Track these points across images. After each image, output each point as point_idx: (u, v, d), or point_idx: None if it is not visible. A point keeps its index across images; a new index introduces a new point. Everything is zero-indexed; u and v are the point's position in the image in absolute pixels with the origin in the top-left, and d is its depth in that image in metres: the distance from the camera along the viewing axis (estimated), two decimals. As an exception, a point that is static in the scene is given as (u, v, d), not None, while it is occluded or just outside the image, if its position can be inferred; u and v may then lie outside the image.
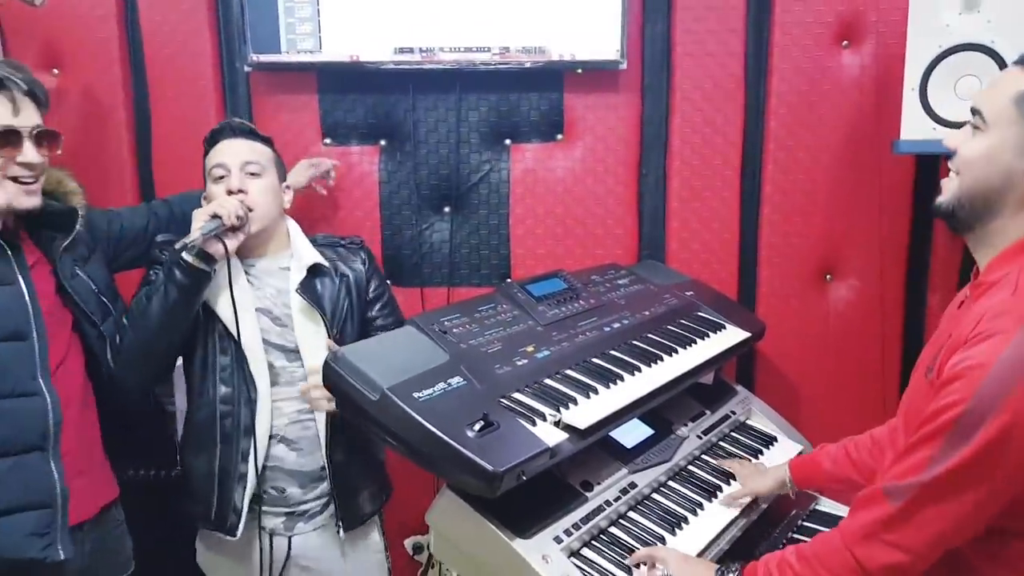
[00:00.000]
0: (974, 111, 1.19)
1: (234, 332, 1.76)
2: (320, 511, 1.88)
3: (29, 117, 1.57)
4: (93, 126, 2.33)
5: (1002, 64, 1.87)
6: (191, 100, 2.35)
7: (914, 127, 1.98)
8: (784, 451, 2.02)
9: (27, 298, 1.60)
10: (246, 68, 2.28)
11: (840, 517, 1.73)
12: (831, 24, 2.27)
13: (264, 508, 1.84)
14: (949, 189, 1.22)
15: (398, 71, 2.28)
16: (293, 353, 1.82)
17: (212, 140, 1.87)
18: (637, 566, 1.45)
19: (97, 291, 1.76)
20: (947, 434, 1.07)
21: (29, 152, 1.55)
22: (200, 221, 1.68)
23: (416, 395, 1.40)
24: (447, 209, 2.45)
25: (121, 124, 2.35)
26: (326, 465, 1.83)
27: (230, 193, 1.78)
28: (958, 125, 1.88)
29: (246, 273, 1.84)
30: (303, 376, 1.80)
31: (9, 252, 1.60)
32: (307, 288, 1.82)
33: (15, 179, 1.55)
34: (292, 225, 1.94)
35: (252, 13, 2.21)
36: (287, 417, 1.82)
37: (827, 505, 1.89)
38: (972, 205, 1.18)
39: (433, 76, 2.32)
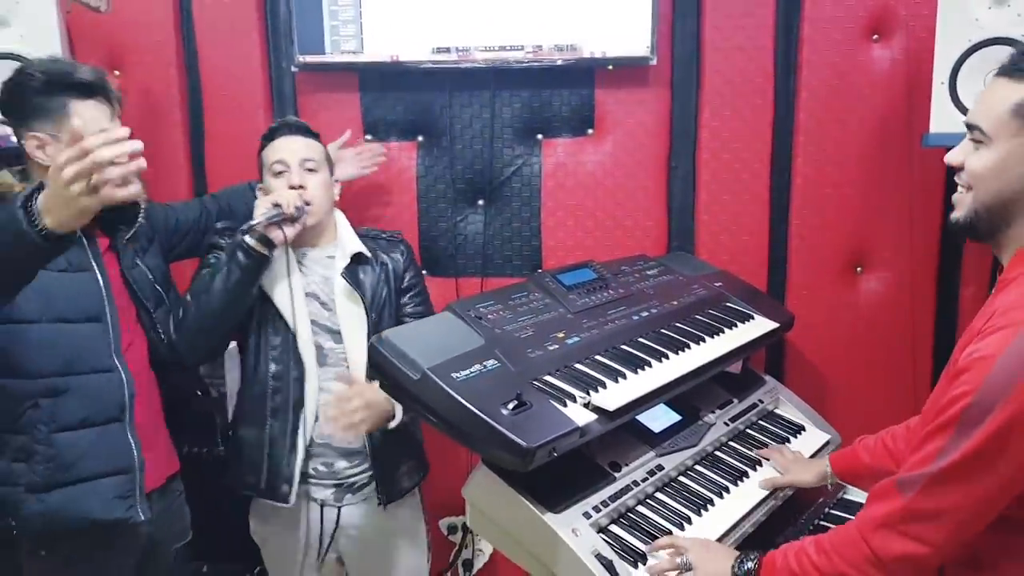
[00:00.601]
0: (971, 127, 1.22)
1: (287, 315, 1.89)
2: (367, 483, 1.99)
3: (117, 123, 1.74)
4: (150, 123, 2.45)
5: (1031, 58, 1.89)
6: (241, 99, 2.47)
7: (944, 120, 2.01)
8: (811, 440, 2.07)
9: (101, 283, 1.74)
10: (293, 68, 2.39)
11: None
12: (861, 18, 2.30)
13: (314, 482, 1.96)
14: (964, 204, 1.23)
15: (436, 70, 2.37)
16: (338, 335, 1.94)
17: (270, 136, 1.99)
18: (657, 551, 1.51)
19: (153, 280, 1.90)
20: (956, 425, 1.09)
21: None
22: (262, 209, 1.83)
23: (454, 375, 1.48)
24: (481, 202, 2.53)
25: (176, 121, 2.48)
26: (366, 443, 1.93)
27: (291, 188, 1.90)
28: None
29: (298, 261, 1.96)
30: (354, 359, 1.91)
31: (85, 241, 1.74)
32: (350, 273, 1.95)
33: None
34: (340, 217, 2.06)
35: (299, 16, 2.32)
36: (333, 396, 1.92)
37: (855, 494, 1.93)
38: (990, 216, 1.21)
39: (469, 74, 2.40)
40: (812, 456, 1.97)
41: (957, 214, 1.25)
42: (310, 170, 1.95)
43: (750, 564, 1.37)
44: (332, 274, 1.97)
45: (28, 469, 1.69)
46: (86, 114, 1.69)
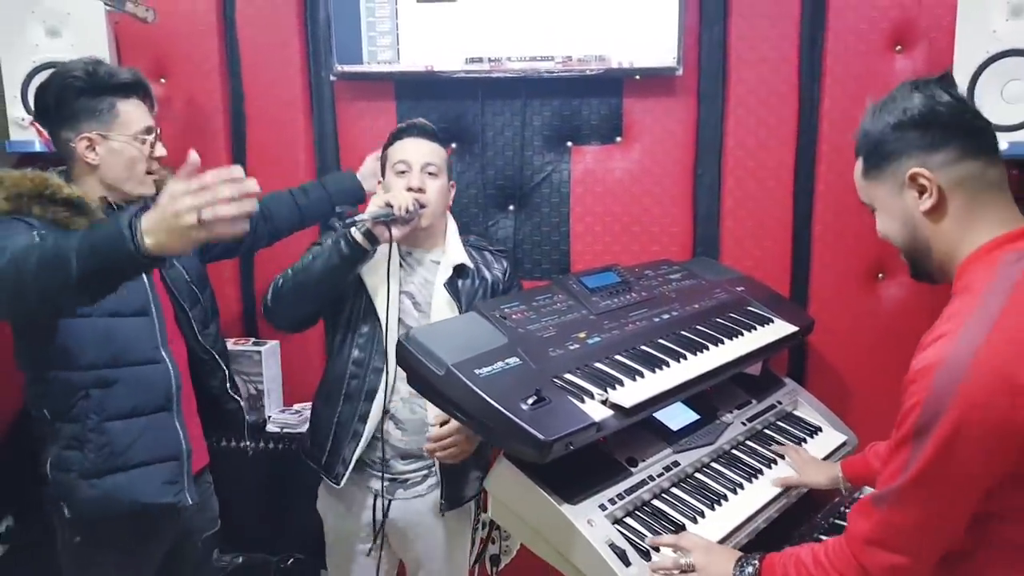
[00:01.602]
0: (865, 204, 1.38)
1: (380, 309, 1.96)
2: (420, 481, 2.05)
3: (153, 118, 1.83)
4: (194, 129, 2.58)
5: (1049, 69, 1.93)
6: (282, 106, 2.59)
7: (962, 130, 2.05)
8: (828, 441, 2.11)
9: (146, 279, 1.82)
10: (331, 77, 2.50)
11: None
12: (884, 30, 2.34)
13: (370, 472, 2.04)
14: (904, 259, 1.37)
15: (468, 79, 2.46)
16: None
17: (398, 136, 2.05)
18: (658, 550, 1.55)
19: (188, 280, 1.98)
20: (912, 437, 1.13)
21: (160, 148, 1.82)
22: (375, 205, 1.88)
23: (477, 371, 1.56)
24: (511, 207, 2.61)
25: (219, 128, 2.60)
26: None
27: (410, 190, 1.95)
28: (1006, 129, 1.97)
29: (402, 258, 2.03)
30: None
31: None
32: (451, 284, 2.01)
33: (150, 172, 1.81)
34: (451, 223, 2.12)
35: (337, 27, 2.43)
36: (400, 397, 2.00)
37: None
38: (920, 260, 1.31)
39: (500, 83, 2.49)
40: (827, 456, 2.01)
41: (910, 273, 1.38)
42: (431, 174, 2.00)
43: (751, 568, 1.40)
44: (432, 278, 2.02)
45: (81, 456, 1.75)
46: (131, 112, 1.78)
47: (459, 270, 2.03)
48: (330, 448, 2.01)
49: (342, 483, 2.00)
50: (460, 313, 1.98)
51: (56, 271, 1.39)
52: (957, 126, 1.24)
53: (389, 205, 1.87)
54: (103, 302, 1.69)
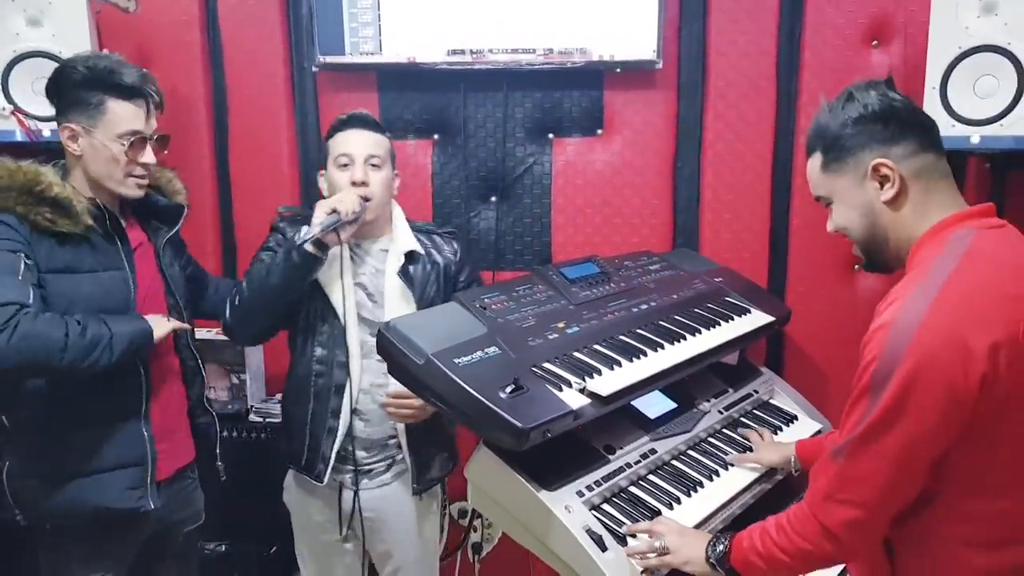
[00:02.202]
0: (817, 199, 1.44)
1: (337, 306, 1.97)
2: (383, 471, 2.08)
3: (152, 123, 1.81)
4: (176, 120, 2.56)
5: (1018, 65, 1.96)
6: (264, 97, 2.59)
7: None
8: (804, 429, 2.15)
9: (130, 282, 1.81)
10: (313, 68, 2.51)
11: None
12: (861, 25, 2.38)
13: (336, 464, 2.04)
14: (858, 254, 1.43)
15: (451, 71, 2.48)
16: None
17: (339, 127, 2.04)
18: (635, 536, 1.59)
19: (184, 281, 2.00)
20: (869, 390, 1.19)
21: (149, 155, 1.80)
22: (321, 215, 1.87)
23: (456, 361, 1.58)
24: (494, 198, 2.63)
25: (202, 118, 2.60)
26: (401, 435, 2.02)
27: (354, 184, 1.96)
28: (977, 122, 2.01)
29: (351, 250, 2.03)
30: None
31: (117, 241, 1.81)
32: (403, 272, 2.02)
33: (132, 175, 1.79)
34: (397, 211, 2.12)
35: (320, 19, 2.44)
36: (361, 389, 2.01)
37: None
38: (874, 247, 1.37)
39: (483, 75, 2.51)
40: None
41: (864, 264, 1.44)
42: (374, 166, 2.00)
43: (721, 547, 1.44)
44: (383, 267, 2.04)
45: (42, 462, 1.75)
46: (120, 113, 1.75)
47: (409, 256, 2.04)
48: (308, 446, 2.03)
49: (325, 479, 2.02)
50: (414, 299, 2.01)
51: (94, 360, 1.64)
52: (913, 121, 1.32)
53: (335, 211, 1.87)
54: (80, 308, 1.71)
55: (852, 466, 1.22)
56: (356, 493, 2.05)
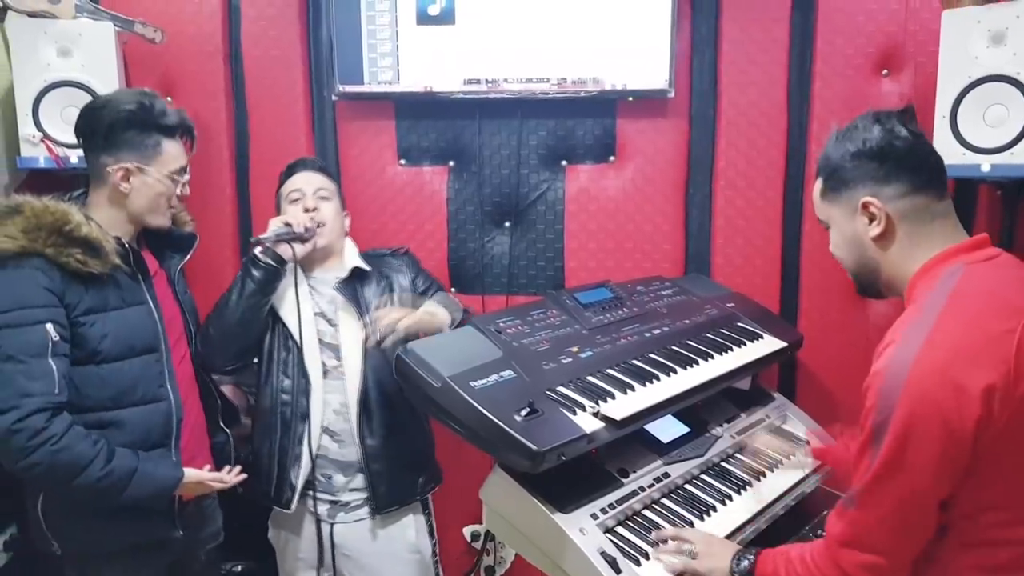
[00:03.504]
0: (820, 220, 1.48)
1: (294, 331, 2.05)
2: (360, 505, 2.11)
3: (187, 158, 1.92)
4: (199, 147, 2.60)
5: (1027, 94, 1.99)
6: (284, 125, 2.64)
7: (945, 152, 2.09)
8: (817, 455, 2.16)
9: (155, 315, 1.85)
10: (333, 97, 2.57)
11: None
12: (871, 54, 2.41)
13: (316, 494, 2.09)
14: (850, 277, 1.47)
15: (466, 100, 2.53)
16: (339, 349, 2.10)
17: (289, 172, 2.23)
18: (665, 541, 1.62)
19: (194, 307, 2.06)
20: (871, 440, 1.21)
21: (186, 188, 1.91)
22: (274, 226, 2.03)
23: (472, 384, 1.61)
24: (507, 224, 2.67)
25: (223, 145, 2.65)
26: (359, 449, 2.06)
27: (306, 211, 2.11)
28: (988, 151, 2.04)
29: (308, 283, 2.14)
30: (349, 372, 2.07)
31: (139, 275, 1.85)
32: (347, 287, 2.11)
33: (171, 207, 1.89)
34: (349, 244, 2.25)
35: (340, 48, 2.50)
36: (332, 410, 2.08)
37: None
38: (865, 277, 1.42)
39: (498, 104, 2.56)
40: (815, 470, 2.05)
41: (856, 289, 1.49)
42: (323, 198, 2.16)
43: (746, 563, 1.47)
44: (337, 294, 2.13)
45: (73, 498, 1.74)
46: (172, 152, 1.86)
47: (358, 275, 2.14)
48: (277, 475, 2.07)
49: (292, 507, 2.06)
50: (361, 316, 2.07)
51: (109, 495, 1.68)
52: (910, 161, 1.33)
53: (288, 224, 2.03)
54: (116, 343, 1.76)
55: (864, 515, 1.24)
56: (331, 526, 2.11)
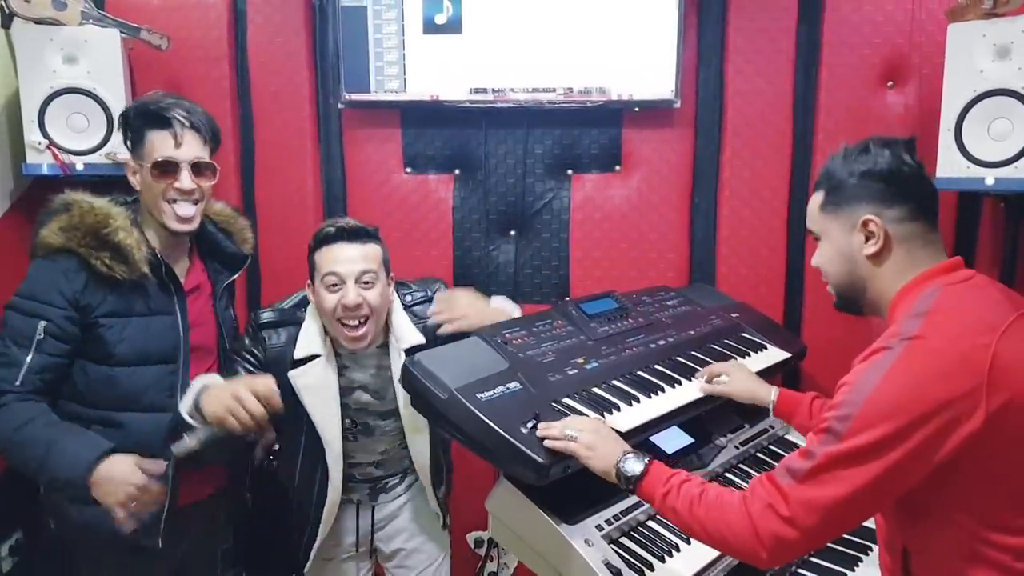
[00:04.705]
0: (808, 232, 1.50)
1: (322, 432, 1.93)
2: (399, 483, 2.14)
3: (190, 150, 1.80)
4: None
5: (1032, 108, 2.00)
6: (290, 131, 2.65)
7: (950, 166, 2.12)
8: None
9: (180, 328, 1.85)
10: (339, 105, 2.57)
11: (860, 540, 1.85)
12: (877, 66, 2.42)
13: (351, 485, 2.09)
14: (830, 291, 1.49)
15: (473, 109, 2.54)
16: (388, 414, 2.03)
17: (324, 240, 1.86)
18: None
19: (234, 326, 2.05)
20: (832, 429, 1.24)
21: (185, 180, 1.79)
22: (200, 433, 1.68)
23: (479, 396, 1.62)
24: (513, 232, 2.68)
25: (229, 150, 2.64)
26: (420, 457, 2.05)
27: (345, 308, 1.82)
28: (992, 164, 2.04)
29: (347, 361, 1.97)
30: (392, 429, 2.04)
31: (171, 287, 1.85)
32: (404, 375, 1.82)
33: (172, 202, 1.80)
34: (395, 302, 1.99)
35: (346, 57, 2.51)
36: (378, 454, 2.07)
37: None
38: (849, 292, 1.44)
39: (504, 113, 2.57)
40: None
41: (835, 302, 1.50)
42: (366, 283, 1.84)
43: (632, 468, 1.45)
44: (386, 363, 1.97)
45: None
46: (154, 141, 1.78)
47: (412, 351, 1.89)
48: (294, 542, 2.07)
49: (305, 569, 2.07)
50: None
51: (23, 462, 1.68)
52: (914, 188, 1.38)
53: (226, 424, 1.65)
54: (132, 349, 1.78)
55: (803, 492, 1.25)
56: (372, 509, 2.12)
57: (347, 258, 1.84)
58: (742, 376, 1.95)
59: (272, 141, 2.68)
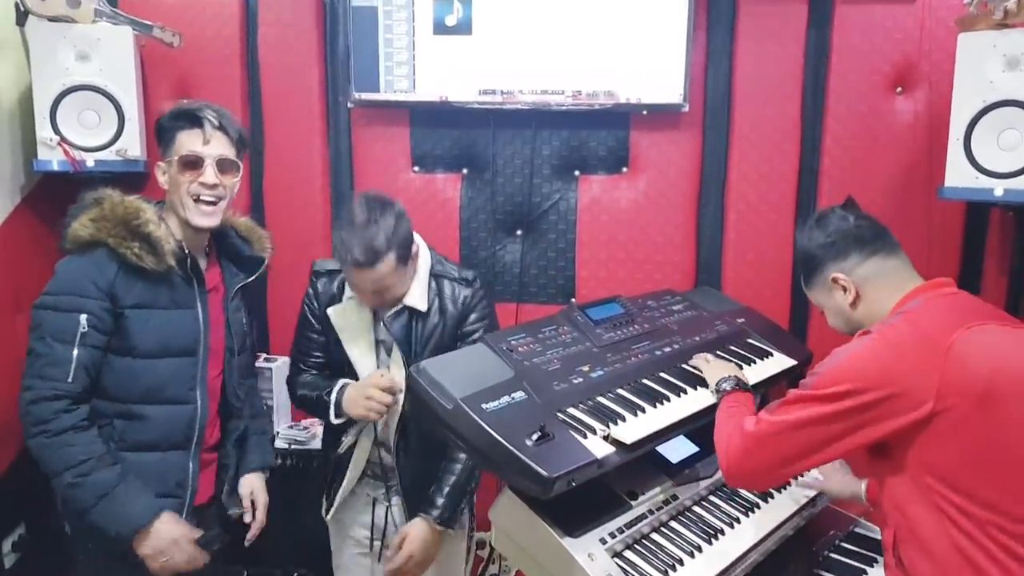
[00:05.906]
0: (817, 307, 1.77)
1: (356, 364, 2.05)
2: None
3: (216, 148, 1.83)
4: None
5: (1043, 120, 2.00)
6: (300, 130, 2.67)
7: (958, 175, 2.12)
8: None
9: (201, 322, 1.87)
10: (348, 104, 2.58)
11: (876, 540, 1.90)
12: (886, 72, 2.42)
13: (368, 479, 2.13)
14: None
15: (481, 110, 2.55)
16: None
17: (346, 263, 1.89)
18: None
19: (245, 329, 2.06)
20: (798, 387, 1.51)
21: (209, 175, 1.82)
22: (358, 410, 1.95)
23: (484, 406, 1.62)
24: (519, 232, 2.69)
25: (238, 149, 2.67)
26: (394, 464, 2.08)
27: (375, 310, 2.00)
28: (1001, 175, 2.04)
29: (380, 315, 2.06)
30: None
31: (194, 281, 1.87)
32: (395, 321, 2.00)
33: (197, 198, 1.82)
34: (423, 258, 2.05)
35: (356, 57, 2.52)
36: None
37: (865, 528, 2.02)
38: (850, 329, 1.65)
39: (512, 115, 2.57)
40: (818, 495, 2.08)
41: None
42: (387, 286, 1.93)
43: (726, 386, 1.81)
44: (404, 320, 2.04)
45: None
46: (184, 140, 1.82)
47: (412, 312, 2.00)
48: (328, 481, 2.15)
49: (329, 515, 2.15)
50: (409, 354, 2.02)
51: (75, 505, 1.74)
52: (859, 237, 1.62)
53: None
54: (154, 341, 1.81)
55: (767, 415, 1.52)
56: (386, 507, 2.14)
57: (364, 281, 1.92)
58: (837, 478, 2.05)
59: (281, 139, 2.69)
